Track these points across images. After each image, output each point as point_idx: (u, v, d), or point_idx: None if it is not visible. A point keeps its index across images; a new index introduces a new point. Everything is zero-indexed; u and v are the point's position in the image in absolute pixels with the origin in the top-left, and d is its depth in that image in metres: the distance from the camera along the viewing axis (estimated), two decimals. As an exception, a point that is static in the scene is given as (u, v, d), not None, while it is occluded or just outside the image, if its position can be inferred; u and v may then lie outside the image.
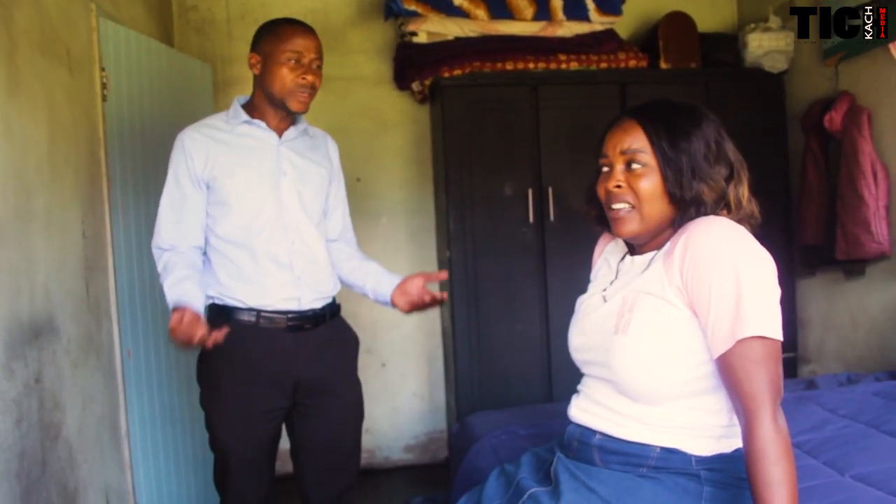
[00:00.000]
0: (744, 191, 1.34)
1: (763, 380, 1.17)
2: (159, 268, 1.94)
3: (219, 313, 1.94)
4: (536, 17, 3.52)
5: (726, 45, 3.74)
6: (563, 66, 3.56)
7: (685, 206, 1.30)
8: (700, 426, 1.28)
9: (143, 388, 2.67)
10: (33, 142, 2.04)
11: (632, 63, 3.63)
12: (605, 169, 1.38)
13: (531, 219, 3.45)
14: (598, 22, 3.59)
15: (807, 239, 3.41)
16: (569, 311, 1.51)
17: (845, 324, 3.40)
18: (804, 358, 3.70)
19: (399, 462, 3.97)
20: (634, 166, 1.32)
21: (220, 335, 1.75)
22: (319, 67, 1.95)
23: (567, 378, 1.56)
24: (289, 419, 2.03)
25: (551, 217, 3.44)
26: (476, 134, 3.44)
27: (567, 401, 1.48)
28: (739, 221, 1.31)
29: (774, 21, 3.62)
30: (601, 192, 1.38)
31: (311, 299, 1.99)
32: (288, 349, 1.94)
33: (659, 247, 1.35)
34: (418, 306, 2.04)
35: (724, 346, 1.20)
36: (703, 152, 1.30)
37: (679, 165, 1.29)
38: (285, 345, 1.94)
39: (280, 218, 1.95)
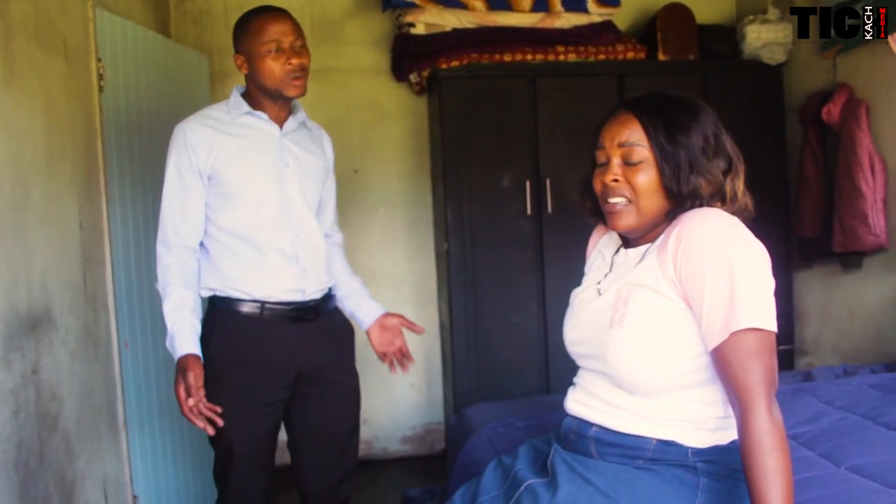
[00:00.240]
0: (740, 184, 1.34)
1: (758, 371, 1.17)
2: (159, 270, 1.90)
3: (220, 305, 1.93)
4: (534, 9, 3.52)
5: (724, 36, 3.74)
6: (561, 57, 3.56)
7: (682, 200, 1.30)
8: (695, 418, 1.28)
9: (141, 380, 2.67)
10: (29, 133, 2.04)
11: (630, 55, 3.62)
12: (602, 161, 1.37)
13: (529, 211, 3.45)
14: (596, 13, 3.58)
15: (804, 231, 3.41)
16: (566, 304, 1.50)
17: (842, 316, 3.41)
18: (801, 350, 3.71)
19: (396, 453, 3.98)
20: (632, 160, 1.31)
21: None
22: (303, 46, 1.91)
23: (564, 370, 1.56)
24: (286, 409, 2.03)
25: (549, 209, 3.44)
26: (474, 126, 3.43)
27: (564, 392, 1.48)
28: (733, 213, 1.30)
29: (773, 13, 3.62)
30: (597, 185, 1.38)
31: (314, 290, 1.99)
32: (291, 340, 1.94)
33: (653, 239, 1.34)
34: (388, 357, 2.16)
35: (718, 339, 1.20)
36: (701, 146, 1.30)
37: (677, 160, 1.28)
38: (288, 336, 1.93)
39: (285, 209, 1.94)
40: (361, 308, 2.14)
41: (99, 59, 2.52)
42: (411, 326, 2.15)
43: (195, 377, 1.79)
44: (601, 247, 1.52)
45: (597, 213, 1.46)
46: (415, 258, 3.96)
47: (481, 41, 3.47)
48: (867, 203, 3.02)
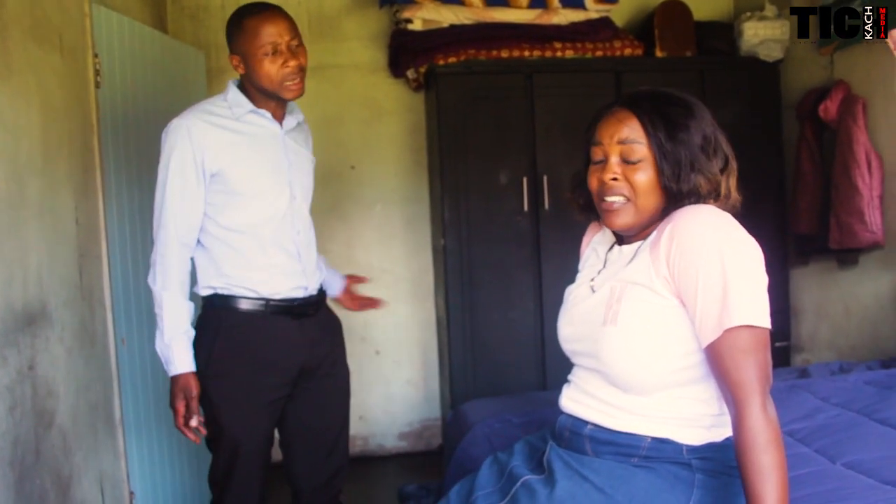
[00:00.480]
0: (733, 181, 1.34)
1: (751, 368, 1.17)
2: (157, 268, 1.86)
3: (221, 304, 1.92)
4: (532, 5, 3.52)
5: (722, 33, 3.74)
6: (559, 53, 3.55)
7: (680, 199, 1.29)
8: (690, 416, 1.29)
9: (138, 376, 2.67)
10: (25, 128, 2.03)
11: (627, 51, 3.62)
12: (599, 158, 1.35)
13: (526, 207, 3.45)
14: (593, 10, 3.58)
15: (800, 228, 3.41)
16: (562, 300, 1.50)
17: (838, 313, 3.41)
18: (797, 346, 3.72)
19: (393, 450, 3.98)
20: (631, 158, 1.31)
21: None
22: (300, 45, 1.87)
23: (560, 366, 1.56)
24: None
25: (546, 205, 3.44)
26: (471, 122, 3.43)
27: (560, 389, 1.48)
28: (723, 210, 1.30)
29: (770, 10, 3.62)
30: (594, 182, 1.36)
31: (314, 286, 2.01)
32: (294, 336, 1.94)
33: (646, 236, 1.34)
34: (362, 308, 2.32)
35: (712, 336, 1.20)
36: (700, 144, 1.29)
37: (677, 158, 1.28)
38: (291, 332, 1.94)
39: (289, 207, 1.94)
40: (327, 279, 2.19)
41: (95, 55, 2.51)
42: (358, 279, 2.35)
43: (196, 398, 1.86)
44: (595, 244, 1.52)
45: (587, 209, 1.45)
46: (412, 254, 3.96)
47: (478, 37, 3.47)
48: (863, 200, 3.02)
